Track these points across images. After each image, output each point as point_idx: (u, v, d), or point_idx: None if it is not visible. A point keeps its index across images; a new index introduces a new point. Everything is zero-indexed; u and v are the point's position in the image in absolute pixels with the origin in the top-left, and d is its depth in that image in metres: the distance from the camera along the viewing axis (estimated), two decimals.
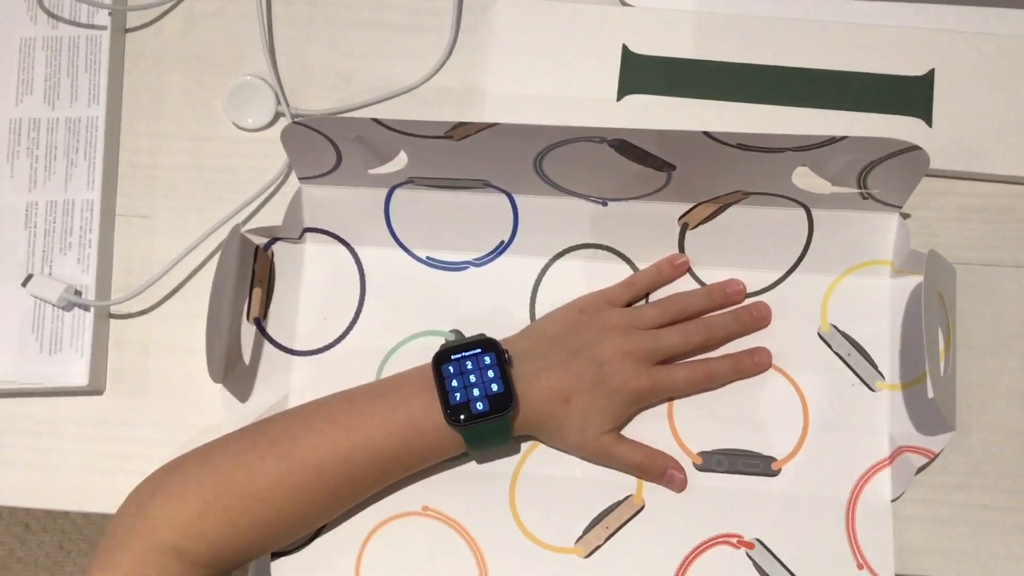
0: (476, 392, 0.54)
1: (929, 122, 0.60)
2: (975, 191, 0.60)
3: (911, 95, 0.61)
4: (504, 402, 0.54)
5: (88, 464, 0.62)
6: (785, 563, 0.56)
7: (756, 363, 0.59)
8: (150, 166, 0.65)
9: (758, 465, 0.58)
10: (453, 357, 0.55)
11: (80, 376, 0.61)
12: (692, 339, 0.58)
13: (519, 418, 0.55)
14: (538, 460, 0.59)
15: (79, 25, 0.65)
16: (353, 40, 0.65)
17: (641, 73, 0.62)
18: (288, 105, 0.64)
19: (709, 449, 0.58)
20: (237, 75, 0.64)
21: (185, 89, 0.65)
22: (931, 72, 0.61)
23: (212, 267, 0.57)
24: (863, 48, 0.62)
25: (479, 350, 0.55)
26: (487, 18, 0.64)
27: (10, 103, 0.65)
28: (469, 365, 0.54)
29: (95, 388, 0.62)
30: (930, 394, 0.53)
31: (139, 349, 0.63)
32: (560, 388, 0.55)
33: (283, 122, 0.64)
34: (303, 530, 0.57)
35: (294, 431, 0.54)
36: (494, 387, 0.54)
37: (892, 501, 0.57)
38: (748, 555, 0.57)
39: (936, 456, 0.56)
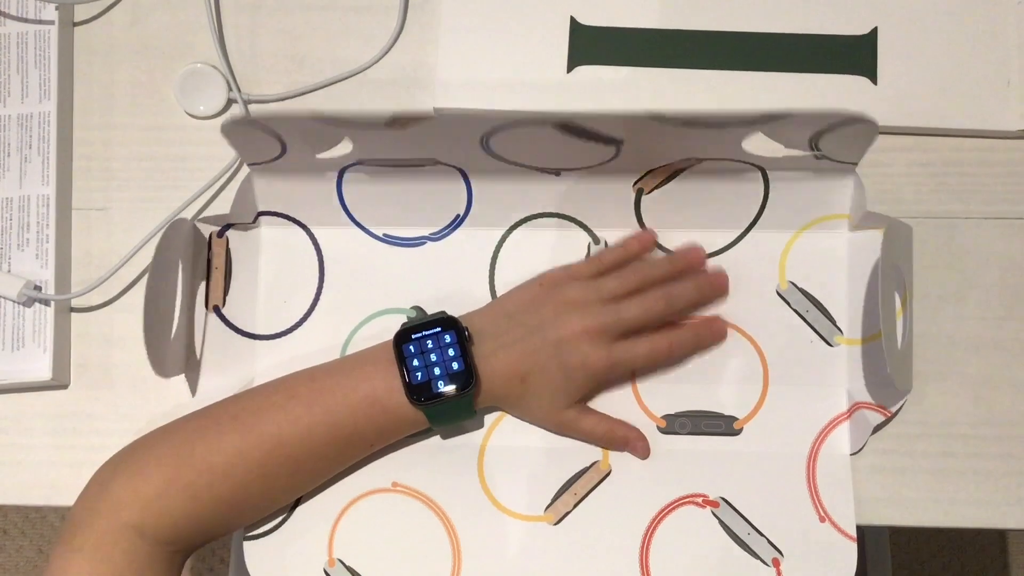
0: (437, 371, 0.54)
1: (874, 80, 0.61)
2: (923, 146, 0.61)
3: (856, 54, 0.61)
4: (466, 380, 0.54)
5: (56, 458, 0.62)
6: (749, 519, 0.57)
7: (714, 332, 0.59)
8: (104, 159, 0.65)
9: (720, 425, 0.59)
10: (414, 336, 0.55)
11: (44, 371, 0.61)
12: (652, 309, 0.58)
13: (481, 394, 0.56)
14: (504, 432, 0.59)
15: (27, 21, 0.65)
16: (302, 23, 0.65)
17: (589, 44, 0.63)
18: (240, 91, 0.64)
19: (672, 412, 0.59)
20: (187, 64, 0.64)
21: (136, 80, 0.65)
22: (874, 31, 0.62)
23: None
24: (807, 10, 0.62)
25: (439, 328, 0.55)
26: None
27: None
28: (430, 344, 0.55)
29: (59, 382, 0.62)
30: (888, 369, 0.53)
31: (102, 342, 0.63)
32: (517, 367, 0.56)
33: (236, 109, 0.64)
34: (267, 507, 0.57)
35: (255, 407, 0.55)
36: (455, 365, 0.54)
37: (851, 455, 0.58)
38: (714, 513, 0.57)
39: (893, 416, 0.57)
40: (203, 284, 0.61)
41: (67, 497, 0.61)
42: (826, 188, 0.59)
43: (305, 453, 0.54)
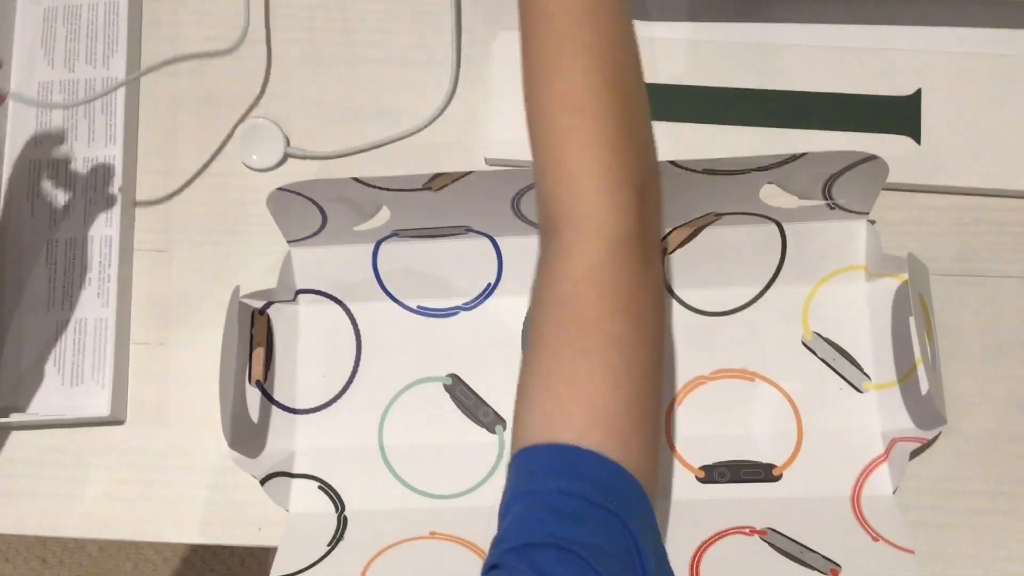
0: None
1: (918, 140, 0.62)
2: (965, 205, 0.62)
3: (900, 114, 0.63)
4: None
5: (111, 493, 0.63)
6: (800, 542, 0.57)
7: None
8: (166, 203, 0.67)
9: (760, 472, 0.59)
10: None
11: (102, 407, 0.63)
12: None
13: None
14: None
15: (95, 67, 0.68)
16: (358, 76, 0.67)
17: None
18: (306, 149, 0.66)
19: (710, 463, 0.60)
20: (248, 115, 0.66)
21: (198, 129, 0.68)
22: (918, 92, 0.63)
23: (225, 298, 0.59)
24: (853, 71, 0.63)
25: None
26: (489, 51, 0.66)
27: (31, 144, 0.67)
28: None
29: (116, 418, 0.63)
30: (923, 389, 0.54)
31: (159, 379, 0.64)
32: None
33: (292, 162, 0.66)
34: None
35: None
36: None
37: (893, 493, 0.58)
38: (763, 539, 0.57)
39: (929, 443, 0.57)
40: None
41: (121, 532, 0.62)
42: (841, 240, 0.61)
43: None
